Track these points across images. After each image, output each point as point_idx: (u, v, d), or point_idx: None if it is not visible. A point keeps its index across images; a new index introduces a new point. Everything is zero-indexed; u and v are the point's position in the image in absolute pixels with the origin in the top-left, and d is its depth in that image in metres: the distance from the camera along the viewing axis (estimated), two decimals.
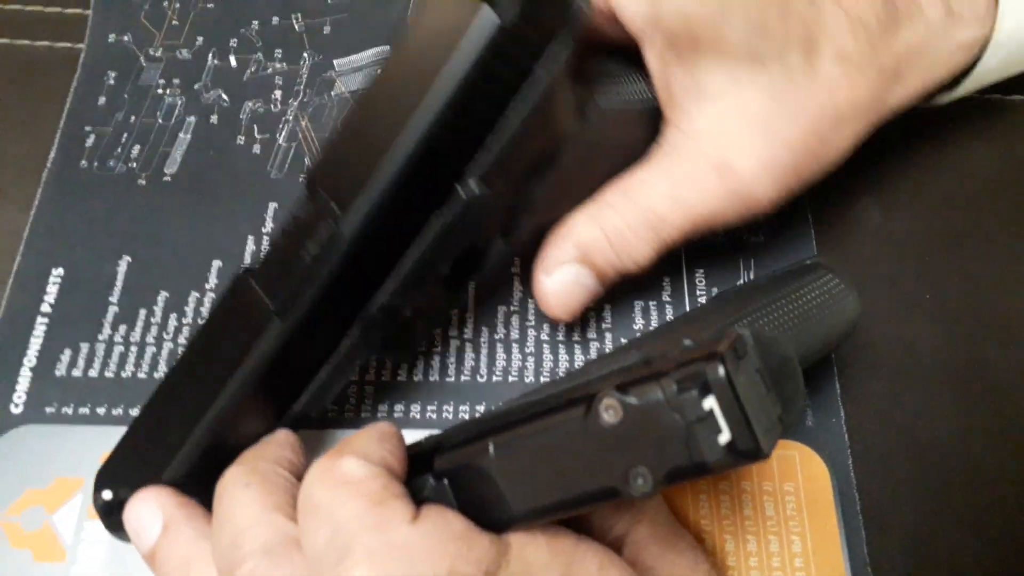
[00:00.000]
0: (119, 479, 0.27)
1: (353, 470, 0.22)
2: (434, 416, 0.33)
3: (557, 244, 0.30)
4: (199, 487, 0.26)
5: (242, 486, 0.24)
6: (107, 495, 0.27)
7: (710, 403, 0.18)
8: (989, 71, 0.33)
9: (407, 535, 0.21)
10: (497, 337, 0.34)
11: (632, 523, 0.25)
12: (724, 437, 0.18)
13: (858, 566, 0.30)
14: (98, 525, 0.30)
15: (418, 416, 0.33)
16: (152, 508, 0.26)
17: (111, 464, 0.28)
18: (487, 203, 0.25)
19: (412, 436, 0.26)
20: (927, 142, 0.39)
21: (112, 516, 0.27)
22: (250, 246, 0.36)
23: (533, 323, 0.34)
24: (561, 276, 0.30)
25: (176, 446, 0.27)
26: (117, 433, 0.28)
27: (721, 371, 0.18)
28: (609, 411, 0.19)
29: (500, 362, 0.34)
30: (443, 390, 0.33)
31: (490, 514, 0.22)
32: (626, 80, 0.30)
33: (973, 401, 0.34)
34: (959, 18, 0.31)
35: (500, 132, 0.24)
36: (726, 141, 0.29)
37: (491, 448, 0.22)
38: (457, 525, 0.21)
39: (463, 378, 0.33)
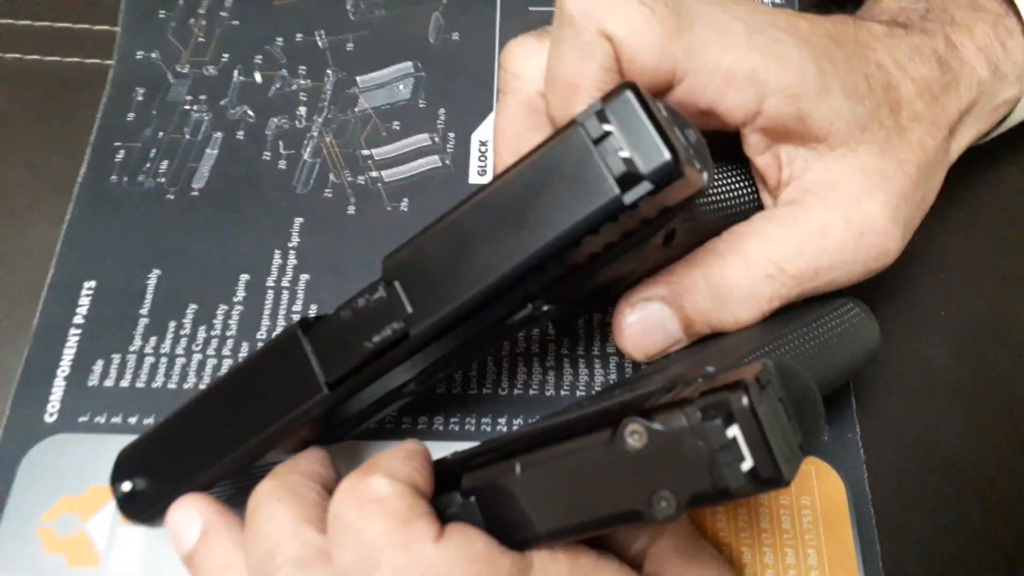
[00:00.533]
0: (138, 471, 0.29)
1: (380, 489, 0.23)
2: (457, 428, 0.33)
3: (651, 282, 0.29)
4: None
5: (274, 500, 0.25)
6: (126, 487, 0.29)
7: (733, 431, 0.19)
8: (1017, 119, 0.35)
9: (431, 555, 0.22)
10: (518, 351, 0.35)
11: (654, 537, 0.26)
12: (746, 465, 0.19)
13: None
14: (131, 532, 0.31)
15: (441, 428, 0.33)
16: (192, 514, 0.27)
17: (132, 454, 0.29)
18: (553, 315, 0.26)
19: (435, 447, 0.27)
20: None
21: (126, 504, 0.29)
22: (276, 260, 0.37)
23: (553, 337, 0.35)
24: (644, 313, 0.29)
25: (199, 464, 0.28)
26: None
27: (745, 401, 0.18)
28: (634, 436, 0.20)
29: (521, 376, 0.34)
30: (466, 403, 0.34)
31: (515, 532, 0.23)
32: (718, 172, 0.30)
33: (987, 417, 0.34)
34: (1003, 77, 0.32)
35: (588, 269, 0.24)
36: (854, 194, 0.28)
37: (517, 468, 0.22)
38: (480, 545, 0.22)
39: (485, 391, 0.34)
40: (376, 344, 0.24)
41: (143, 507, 0.29)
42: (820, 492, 0.32)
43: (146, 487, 0.29)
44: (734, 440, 0.19)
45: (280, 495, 0.25)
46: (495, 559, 0.22)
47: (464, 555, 0.22)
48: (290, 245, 0.37)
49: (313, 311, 0.36)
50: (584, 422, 0.22)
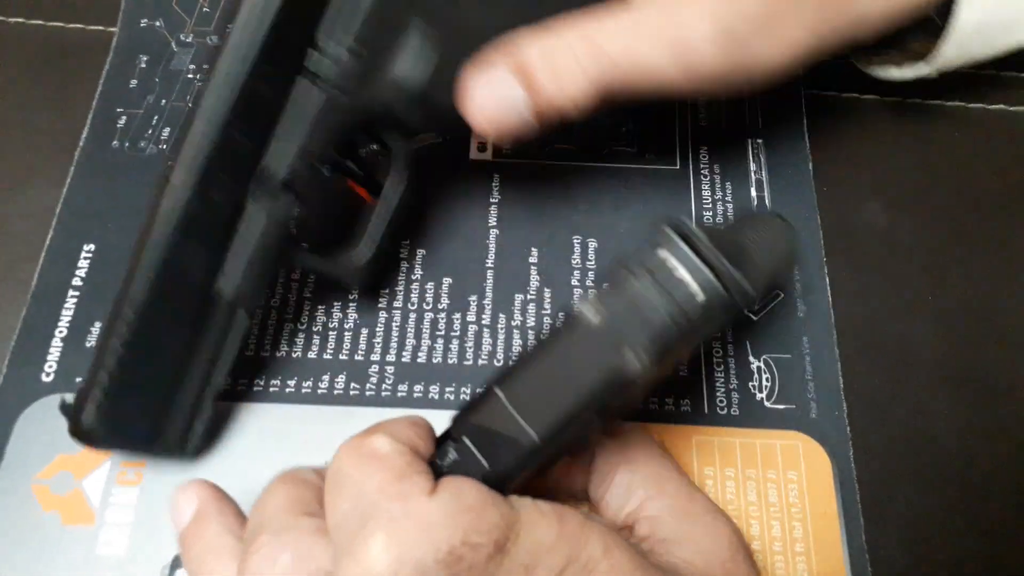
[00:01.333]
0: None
1: (381, 446, 0.24)
2: (452, 397, 0.34)
3: (492, 53, 0.28)
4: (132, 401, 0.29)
5: (278, 482, 0.26)
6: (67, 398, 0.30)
7: (663, 254, 0.22)
8: (966, 26, 0.33)
9: (425, 506, 0.22)
10: (514, 324, 0.35)
11: (645, 499, 0.27)
12: (690, 286, 0.21)
13: (856, 552, 0.31)
14: (125, 492, 0.31)
15: (436, 397, 0.34)
16: (189, 496, 0.28)
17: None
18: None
19: (431, 416, 0.27)
20: (932, 149, 0.40)
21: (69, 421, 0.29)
22: None
23: (549, 311, 0.35)
24: (491, 82, 0.28)
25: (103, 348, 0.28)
26: None
27: (669, 230, 0.22)
28: (589, 310, 0.22)
29: (516, 347, 0.35)
30: (461, 373, 0.34)
31: (514, 449, 0.24)
32: None
33: (971, 399, 0.35)
34: None
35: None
36: (684, 6, 0.28)
37: (499, 392, 0.24)
38: (471, 498, 0.23)
39: (480, 362, 0.34)
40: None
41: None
42: (807, 467, 0.33)
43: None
44: (665, 263, 0.22)
45: (283, 479, 0.27)
46: (485, 510, 0.23)
47: (457, 506, 0.22)
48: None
49: (311, 281, 0.36)
50: (542, 336, 0.24)
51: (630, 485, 0.27)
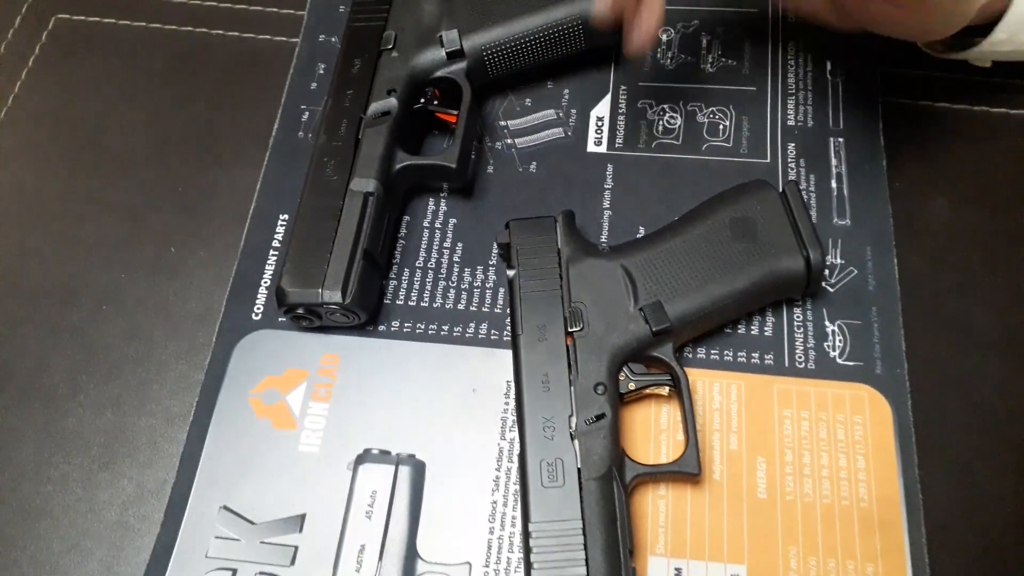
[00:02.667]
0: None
1: None
2: None
3: None
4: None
5: None
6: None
7: None
8: (1014, 20, 0.40)
9: None
10: None
11: None
12: None
13: (910, 483, 0.38)
14: (318, 405, 0.40)
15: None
16: None
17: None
18: None
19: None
20: (994, 153, 0.46)
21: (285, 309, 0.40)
22: (431, 206, 0.45)
23: None
24: None
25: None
26: (329, 339, 0.41)
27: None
28: None
29: None
30: None
31: None
32: None
33: (1018, 366, 0.41)
34: None
35: None
36: None
37: None
38: None
39: None
40: None
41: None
42: (871, 413, 0.39)
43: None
44: None
45: None
46: None
47: None
48: (442, 195, 0.46)
49: (460, 248, 0.44)
50: None
51: None
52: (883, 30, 0.41)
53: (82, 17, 0.53)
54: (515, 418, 0.39)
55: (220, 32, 0.52)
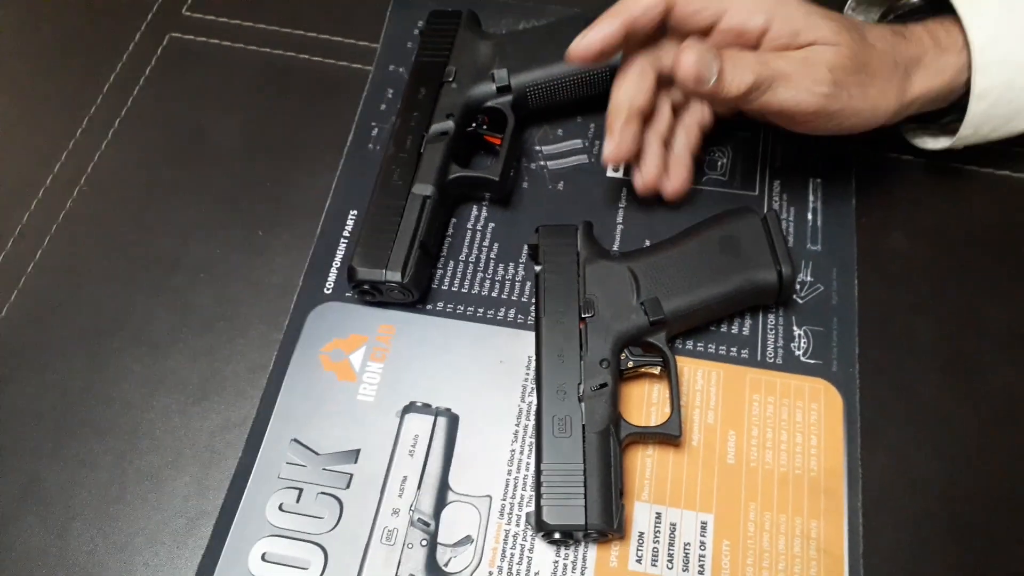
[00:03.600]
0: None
1: None
2: None
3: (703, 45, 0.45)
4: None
5: None
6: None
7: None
8: (977, 115, 0.49)
9: None
10: None
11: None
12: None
13: (852, 460, 0.46)
14: (375, 364, 0.49)
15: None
16: None
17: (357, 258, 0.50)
18: None
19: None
20: (945, 198, 0.55)
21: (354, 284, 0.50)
22: (474, 212, 0.55)
23: None
24: (701, 54, 0.43)
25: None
26: (386, 313, 0.50)
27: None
28: None
29: None
30: None
31: None
32: None
33: (954, 376, 0.49)
34: (944, 48, 0.48)
35: None
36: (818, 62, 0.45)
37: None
38: None
39: None
40: None
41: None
42: (825, 402, 0.48)
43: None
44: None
45: None
46: None
47: None
48: (483, 204, 0.55)
49: (496, 247, 0.54)
50: None
51: None
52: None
53: (191, 37, 0.63)
54: (534, 385, 0.48)
55: (306, 56, 0.62)
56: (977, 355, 0.50)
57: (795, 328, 0.50)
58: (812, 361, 0.49)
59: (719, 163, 0.56)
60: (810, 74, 0.44)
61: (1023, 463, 0.47)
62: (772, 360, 0.49)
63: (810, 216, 0.54)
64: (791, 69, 0.44)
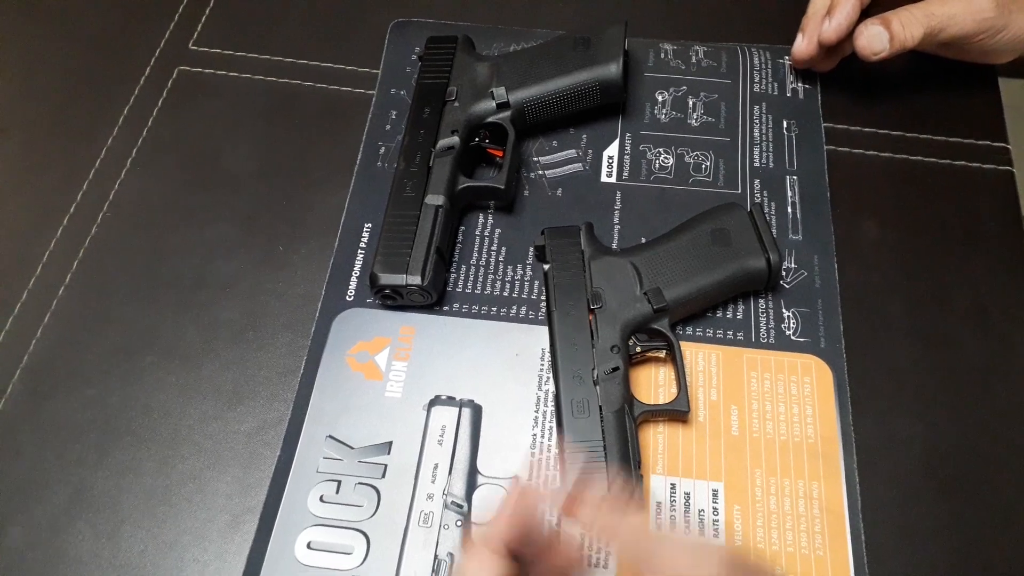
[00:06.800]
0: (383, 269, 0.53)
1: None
2: None
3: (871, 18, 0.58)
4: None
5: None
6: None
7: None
8: None
9: None
10: None
11: None
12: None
13: (845, 427, 0.51)
14: (399, 364, 0.52)
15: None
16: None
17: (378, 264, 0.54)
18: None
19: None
20: (910, 188, 0.60)
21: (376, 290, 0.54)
22: (481, 219, 0.59)
23: None
24: (869, 29, 0.57)
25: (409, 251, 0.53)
26: (406, 316, 0.54)
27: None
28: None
29: None
30: None
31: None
32: None
33: (927, 346, 0.54)
34: None
35: None
36: None
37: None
38: None
39: None
40: None
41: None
42: (816, 376, 0.52)
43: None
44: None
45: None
46: None
47: None
48: (489, 211, 0.59)
49: (504, 250, 0.57)
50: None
51: None
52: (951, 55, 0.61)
53: (199, 69, 0.67)
54: (550, 375, 0.52)
55: (311, 84, 0.66)
56: (946, 327, 0.55)
57: (784, 310, 0.55)
58: (802, 339, 0.54)
59: (703, 166, 0.61)
60: (972, 10, 0.55)
61: (993, 421, 0.51)
62: (765, 340, 0.54)
63: (790, 209, 0.59)
64: (956, 10, 0.54)
